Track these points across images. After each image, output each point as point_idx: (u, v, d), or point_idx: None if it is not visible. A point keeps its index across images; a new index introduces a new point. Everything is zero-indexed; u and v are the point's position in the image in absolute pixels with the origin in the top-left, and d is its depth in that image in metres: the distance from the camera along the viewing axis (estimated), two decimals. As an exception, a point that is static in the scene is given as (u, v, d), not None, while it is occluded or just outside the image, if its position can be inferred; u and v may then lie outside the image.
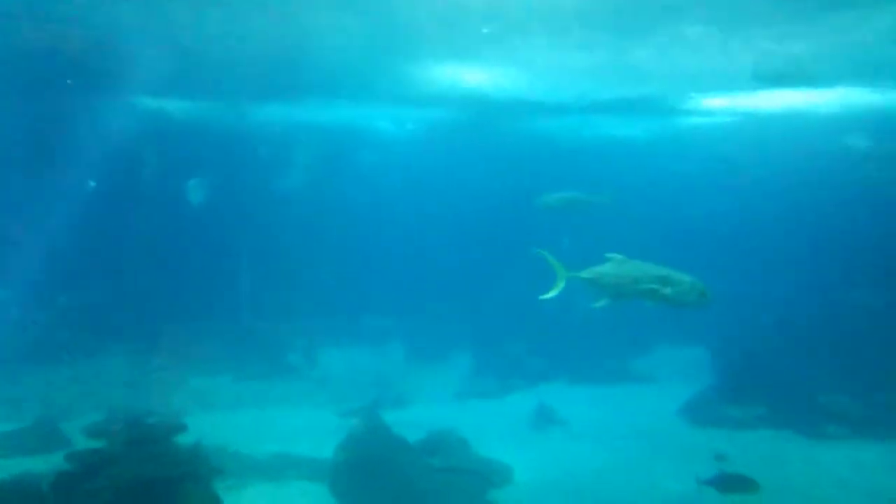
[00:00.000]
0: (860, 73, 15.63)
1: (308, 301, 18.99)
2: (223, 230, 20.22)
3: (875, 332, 14.94)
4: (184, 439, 10.09)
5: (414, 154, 24.81)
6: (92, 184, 19.41)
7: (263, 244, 20.19)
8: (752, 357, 15.71)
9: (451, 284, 20.47)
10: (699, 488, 9.46)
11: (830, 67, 14.63)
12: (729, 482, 9.40)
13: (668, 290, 7.80)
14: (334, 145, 22.77)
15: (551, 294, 8.52)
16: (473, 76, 16.81)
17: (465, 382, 17.60)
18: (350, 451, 11.36)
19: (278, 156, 22.17)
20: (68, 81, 16.99)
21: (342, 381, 16.70)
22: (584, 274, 8.41)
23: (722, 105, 20.07)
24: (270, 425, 14.09)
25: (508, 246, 20.49)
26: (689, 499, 10.25)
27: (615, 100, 19.48)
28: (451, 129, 22.73)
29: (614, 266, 8.28)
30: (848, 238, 17.61)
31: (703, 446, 13.25)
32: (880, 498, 10.77)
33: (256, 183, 20.70)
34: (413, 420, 13.48)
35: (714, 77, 16.36)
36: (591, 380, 17.44)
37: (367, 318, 19.72)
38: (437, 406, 15.93)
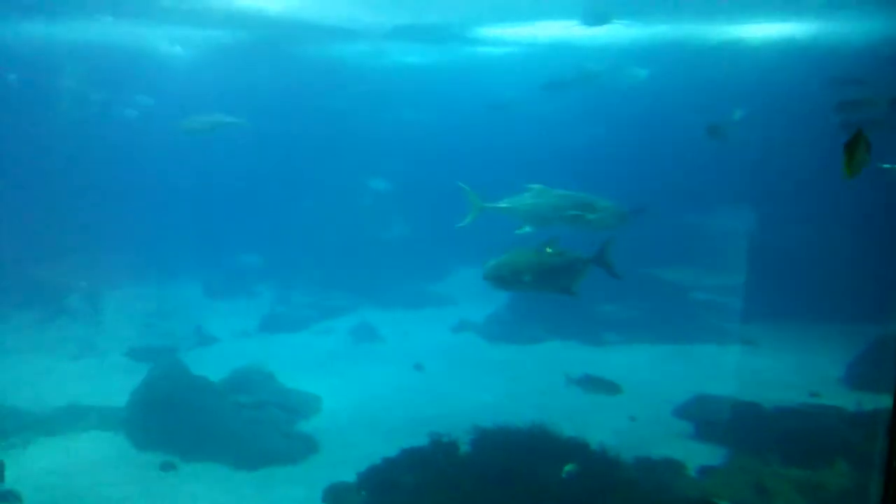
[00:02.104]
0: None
1: (87, 239, 17.34)
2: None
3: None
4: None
5: (196, 78, 23.15)
6: None
7: (26, 178, 17.99)
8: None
9: (248, 216, 19.72)
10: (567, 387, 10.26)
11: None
12: (594, 383, 10.29)
13: (591, 216, 8.06)
14: (104, 68, 20.56)
15: (464, 223, 8.56)
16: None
17: (269, 316, 17.24)
18: (146, 395, 10.76)
19: (36, 81, 19.63)
20: None
21: (132, 322, 15.64)
22: (503, 203, 8.49)
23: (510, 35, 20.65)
24: (53, 375, 12.93)
25: (308, 174, 20.09)
26: (490, 408, 10.95)
27: (405, 27, 19.42)
28: (238, 52, 21.45)
29: (535, 195, 8.44)
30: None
31: (499, 360, 14.23)
32: (646, 387, 12.09)
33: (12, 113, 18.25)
34: (216, 358, 13.02)
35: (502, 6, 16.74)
36: (394, 305, 17.81)
37: (158, 253, 18.42)
38: (241, 341, 15.53)
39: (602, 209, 8.23)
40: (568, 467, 7.64)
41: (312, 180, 20.29)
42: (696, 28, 18.74)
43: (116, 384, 11.42)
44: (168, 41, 21.86)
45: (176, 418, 10.33)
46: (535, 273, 7.41)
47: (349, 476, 8.17)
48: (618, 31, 18.12)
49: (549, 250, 7.43)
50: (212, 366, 11.75)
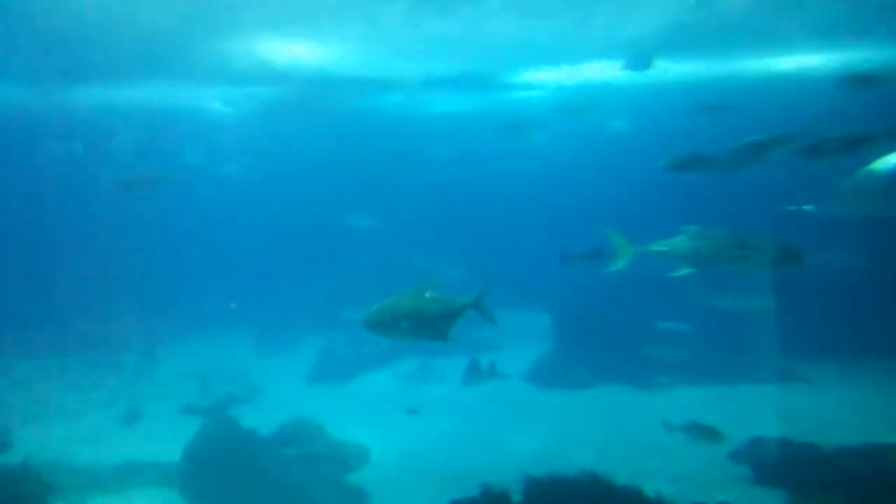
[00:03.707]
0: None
1: (142, 298, 17.83)
2: (36, 225, 18.49)
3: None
4: (9, 458, 9.25)
5: (246, 135, 23.86)
6: None
7: (88, 240, 18.64)
8: (584, 320, 16.62)
9: (297, 271, 20.01)
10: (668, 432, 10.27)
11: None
12: (698, 430, 10.28)
13: (754, 256, 8.01)
14: (159, 130, 21.33)
15: (615, 268, 8.58)
16: (295, 50, 16.33)
17: (316, 368, 17.34)
18: (199, 450, 10.91)
19: (95, 144, 20.43)
20: None
21: (186, 377, 15.91)
22: (657, 247, 8.54)
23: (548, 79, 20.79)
24: (109, 432, 13.19)
25: (350, 227, 20.36)
26: (541, 456, 10.81)
27: (446, 76, 19.71)
28: (282, 107, 22.04)
29: (691, 237, 8.45)
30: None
31: (549, 406, 14.06)
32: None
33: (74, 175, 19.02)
34: (267, 411, 13.12)
35: (538, 50, 16.92)
36: (443, 352, 17.71)
37: (209, 310, 18.80)
38: (290, 395, 15.63)
39: (765, 248, 8.07)
40: None
41: (359, 230, 20.56)
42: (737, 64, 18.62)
43: (170, 440, 11.57)
44: (213, 100, 22.63)
45: (228, 474, 10.43)
46: (414, 319, 7.32)
47: (400, 529, 8.11)
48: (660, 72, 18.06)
49: (428, 295, 7.34)
50: (263, 419, 11.86)
